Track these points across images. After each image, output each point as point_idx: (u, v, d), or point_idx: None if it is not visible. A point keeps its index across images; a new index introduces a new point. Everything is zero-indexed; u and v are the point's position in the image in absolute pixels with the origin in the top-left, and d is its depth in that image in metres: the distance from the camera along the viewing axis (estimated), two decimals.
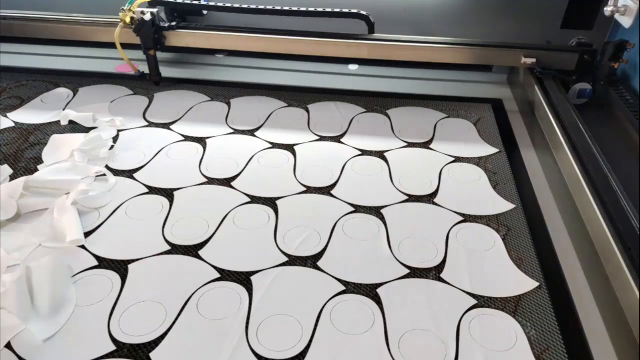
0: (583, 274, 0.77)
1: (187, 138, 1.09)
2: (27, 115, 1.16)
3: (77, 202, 0.88)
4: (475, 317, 0.69)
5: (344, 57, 1.26)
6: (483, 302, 0.71)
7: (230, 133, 1.11)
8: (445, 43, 1.22)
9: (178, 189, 0.93)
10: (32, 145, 1.05)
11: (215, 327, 0.67)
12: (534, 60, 1.19)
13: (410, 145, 1.08)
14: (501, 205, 0.90)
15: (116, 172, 0.97)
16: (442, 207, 0.90)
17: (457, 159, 1.03)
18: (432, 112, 1.21)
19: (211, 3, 1.28)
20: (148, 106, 1.21)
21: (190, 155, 1.03)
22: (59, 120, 1.13)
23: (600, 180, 0.83)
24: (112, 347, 0.64)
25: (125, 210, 0.88)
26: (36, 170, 0.96)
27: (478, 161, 1.02)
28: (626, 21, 1.06)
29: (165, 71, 1.32)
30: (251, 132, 1.11)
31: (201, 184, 0.95)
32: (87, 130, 1.09)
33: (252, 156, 1.03)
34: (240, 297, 0.71)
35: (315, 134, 1.11)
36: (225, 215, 0.87)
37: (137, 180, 0.95)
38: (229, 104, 1.22)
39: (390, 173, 0.99)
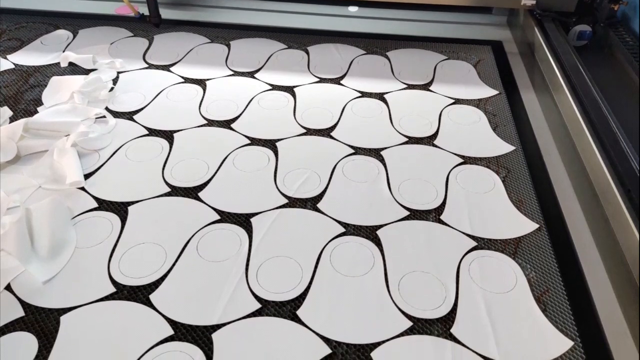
0: (583, 216, 0.72)
1: (187, 80, 1.02)
2: (27, 57, 1.08)
3: (77, 144, 0.82)
4: (475, 259, 0.64)
5: None
6: (483, 244, 0.67)
7: (230, 75, 1.04)
8: None
9: (178, 131, 0.87)
10: (32, 87, 0.98)
11: (215, 269, 0.63)
12: (533, 2, 1.11)
13: (410, 87, 1.01)
14: (501, 147, 0.84)
15: (116, 114, 0.91)
16: (442, 149, 0.84)
17: (457, 101, 0.96)
18: (432, 54, 1.13)
19: None
20: (148, 48, 1.13)
21: (190, 97, 0.96)
22: (59, 62, 1.06)
23: (600, 122, 0.78)
24: (112, 289, 0.60)
25: (125, 152, 0.82)
26: (36, 112, 0.90)
27: (478, 103, 0.96)
28: None
29: (165, 13, 1.23)
30: (251, 74, 1.04)
31: (201, 126, 0.88)
32: (87, 72, 1.02)
33: (252, 98, 0.96)
34: (240, 239, 0.67)
35: (315, 76, 1.04)
36: (225, 158, 0.81)
37: (137, 122, 0.89)
38: (229, 46, 1.14)
39: (390, 115, 0.92)
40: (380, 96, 0.98)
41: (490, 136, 0.87)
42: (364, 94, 0.98)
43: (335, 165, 0.80)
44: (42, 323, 0.56)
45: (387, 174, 0.78)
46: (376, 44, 1.17)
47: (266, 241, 0.66)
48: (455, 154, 0.83)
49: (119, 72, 1.03)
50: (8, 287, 0.60)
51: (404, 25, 1.27)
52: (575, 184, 0.78)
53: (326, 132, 0.87)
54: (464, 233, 0.68)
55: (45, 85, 0.97)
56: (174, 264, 0.63)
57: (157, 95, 0.96)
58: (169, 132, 0.86)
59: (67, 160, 0.78)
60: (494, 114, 0.93)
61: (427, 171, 0.79)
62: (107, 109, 0.92)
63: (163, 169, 0.78)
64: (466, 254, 0.65)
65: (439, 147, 0.84)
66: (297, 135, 0.86)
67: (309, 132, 0.87)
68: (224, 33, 1.19)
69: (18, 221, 0.66)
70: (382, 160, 0.81)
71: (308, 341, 0.55)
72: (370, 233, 0.68)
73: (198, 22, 1.25)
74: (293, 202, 0.73)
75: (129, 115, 0.91)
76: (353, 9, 1.34)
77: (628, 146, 0.73)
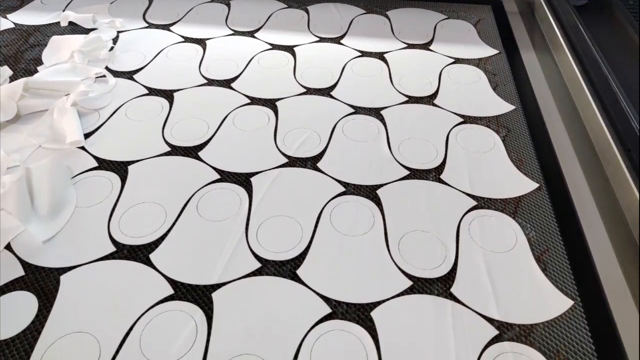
0: (583, 176, 0.68)
1: (187, 39, 0.96)
2: (27, 16, 1.02)
3: (77, 103, 0.77)
4: (475, 219, 0.61)
5: None
6: (483, 203, 0.63)
7: (230, 34, 0.97)
8: None
9: (178, 90, 0.82)
10: (32, 46, 0.92)
11: (215, 228, 0.59)
12: None
13: (410, 46, 0.95)
14: (501, 106, 0.79)
15: (116, 74, 0.85)
16: (442, 108, 0.79)
17: (457, 61, 0.91)
18: (432, 14, 1.06)
19: None
20: (148, 7, 1.06)
21: (190, 57, 0.90)
22: (59, 22, 0.99)
23: (600, 82, 0.73)
24: (112, 249, 0.56)
25: (125, 112, 0.77)
26: (36, 71, 0.84)
27: (478, 62, 0.90)
28: None
29: None
30: (251, 34, 0.98)
31: (201, 85, 0.83)
32: (87, 31, 0.96)
33: (252, 58, 0.90)
34: (240, 199, 0.63)
35: (315, 36, 0.98)
36: (225, 117, 0.76)
37: (137, 81, 0.84)
38: (228, 5, 1.07)
39: (390, 74, 0.87)
40: (380, 55, 0.92)
41: (490, 95, 0.82)
42: (364, 54, 0.92)
43: (335, 125, 0.75)
44: (42, 282, 0.53)
45: (387, 133, 0.74)
46: (376, 3, 1.10)
47: (266, 200, 0.63)
48: (455, 114, 0.78)
49: (119, 32, 0.97)
50: (8, 247, 0.56)
51: None
52: (575, 143, 0.73)
53: (326, 92, 0.82)
54: (464, 192, 0.64)
55: (45, 45, 0.91)
56: (174, 224, 0.59)
57: (157, 55, 0.91)
58: (169, 92, 0.81)
59: (67, 120, 0.73)
60: (494, 74, 0.87)
61: (427, 130, 0.74)
62: (107, 68, 0.87)
63: (163, 128, 0.74)
64: (466, 213, 0.61)
65: (439, 107, 0.79)
66: (297, 95, 0.81)
67: (309, 91, 0.82)
68: None
69: (18, 180, 0.62)
70: (382, 120, 0.76)
71: (308, 300, 0.52)
72: (370, 192, 0.64)
73: None
74: (293, 162, 0.69)
75: (129, 75, 0.85)
76: None
77: (628, 105, 0.68)
